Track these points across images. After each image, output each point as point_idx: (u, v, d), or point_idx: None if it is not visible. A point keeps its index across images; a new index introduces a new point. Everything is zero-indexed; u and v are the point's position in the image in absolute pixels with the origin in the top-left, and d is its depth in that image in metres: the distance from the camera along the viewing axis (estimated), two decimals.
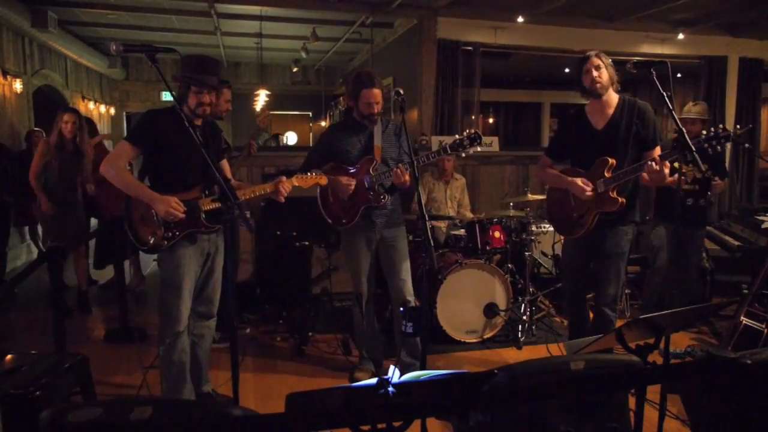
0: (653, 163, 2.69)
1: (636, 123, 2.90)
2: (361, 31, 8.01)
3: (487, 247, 4.33)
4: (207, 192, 2.73)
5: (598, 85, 2.88)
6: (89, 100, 9.65)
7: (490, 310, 4.11)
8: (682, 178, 2.82)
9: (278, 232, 4.42)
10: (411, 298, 3.32)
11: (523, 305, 4.41)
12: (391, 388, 1.26)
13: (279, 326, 4.37)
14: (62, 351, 3.03)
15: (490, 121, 13.81)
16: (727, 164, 6.90)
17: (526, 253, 4.45)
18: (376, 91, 3.13)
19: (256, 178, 5.60)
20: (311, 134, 14.26)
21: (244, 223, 2.58)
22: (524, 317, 4.31)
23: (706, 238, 4.71)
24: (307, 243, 4.41)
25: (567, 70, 9.93)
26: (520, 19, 6.67)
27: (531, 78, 12.71)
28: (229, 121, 10.80)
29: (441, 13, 6.57)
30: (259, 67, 11.15)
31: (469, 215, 5.14)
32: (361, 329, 3.50)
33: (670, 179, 2.87)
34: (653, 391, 2.51)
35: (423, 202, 3.18)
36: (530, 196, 4.52)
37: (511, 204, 4.77)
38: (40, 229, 5.94)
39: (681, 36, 7.19)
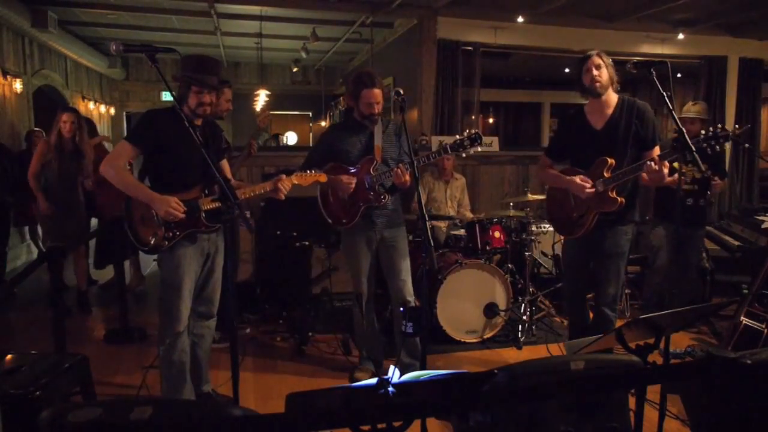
0: (652, 163, 2.69)
1: (635, 123, 2.90)
2: (361, 31, 8.01)
3: (487, 247, 4.33)
4: (207, 192, 2.73)
5: (597, 84, 2.88)
6: (89, 100, 9.65)
7: (490, 310, 4.11)
8: (682, 178, 2.82)
9: (278, 232, 4.42)
10: (411, 298, 3.32)
11: (523, 305, 4.41)
12: (391, 388, 1.26)
13: (279, 326, 4.37)
14: (62, 351, 3.02)
15: (490, 121, 13.80)
16: (727, 164, 6.90)
17: (526, 253, 4.46)
18: (377, 91, 3.14)
19: (256, 178, 5.59)
20: (311, 134, 14.25)
21: (244, 223, 2.59)
22: (524, 317, 4.31)
23: (706, 238, 4.71)
24: (307, 243, 4.41)
25: (567, 70, 9.92)
26: (520, 19, 6.67)
27: (531, 78, 12.70)
28: (229, 121, 10.81)
29: (441, 13, 6.57)
30: (259, 67, 11.15)
31: (469, 215, 5.14)
32: (361, 329, 3.50)
33: (669, 179, 2.87)
34: (653, 391, 2.51)
35: (423, 202, 3.18)
36: (530, 196, 4.52)
37: (511, 204, 4.77)
38: (40, 229, 5.94)
39: (681, 36, 7.19)
